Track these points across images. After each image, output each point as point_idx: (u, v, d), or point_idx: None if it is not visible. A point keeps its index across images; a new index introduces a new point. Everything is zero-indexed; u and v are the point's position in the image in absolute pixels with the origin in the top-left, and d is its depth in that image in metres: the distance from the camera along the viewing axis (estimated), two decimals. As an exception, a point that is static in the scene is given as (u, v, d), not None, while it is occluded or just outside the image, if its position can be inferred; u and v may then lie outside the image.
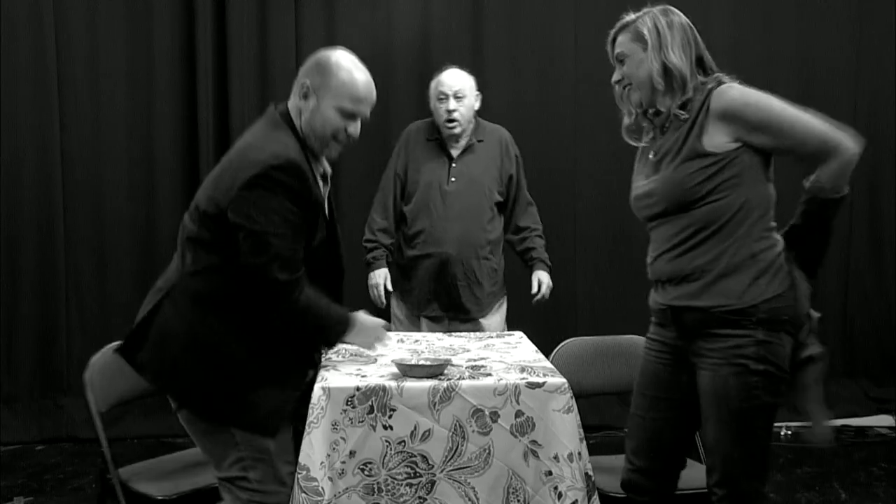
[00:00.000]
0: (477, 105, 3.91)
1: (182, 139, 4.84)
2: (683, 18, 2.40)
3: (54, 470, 4.33)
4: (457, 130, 3.82)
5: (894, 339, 5.15)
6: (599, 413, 4.77)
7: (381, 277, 3.88)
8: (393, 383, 2.40)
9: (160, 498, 2.67)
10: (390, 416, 2.38)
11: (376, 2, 4.95)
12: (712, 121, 2.26)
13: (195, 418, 2.40)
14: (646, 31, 2.35)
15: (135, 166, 4.84)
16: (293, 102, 2.49)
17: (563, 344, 3.14)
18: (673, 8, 2.42)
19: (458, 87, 3.81)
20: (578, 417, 2.45)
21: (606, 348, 3.19)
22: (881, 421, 5.03)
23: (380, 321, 2.59)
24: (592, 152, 5.02)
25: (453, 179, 3.82)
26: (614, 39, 2.45)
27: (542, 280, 3.87)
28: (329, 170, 2.58)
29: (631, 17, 2.41)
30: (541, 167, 4.97)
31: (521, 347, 2.98)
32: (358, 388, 2.39)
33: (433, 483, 2.39)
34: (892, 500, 3.89)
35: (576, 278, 5.02)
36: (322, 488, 2.34)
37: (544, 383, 2.42)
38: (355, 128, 2.49)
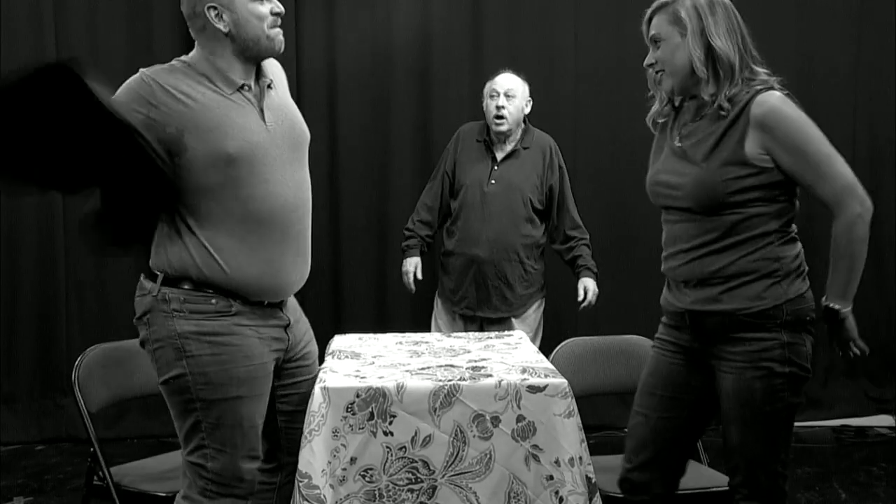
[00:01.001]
0: (527, 110, 4.01)
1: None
2: (730, 10, 2.32)
3: (54, 470, 4.33)
4: (504, 128, 3.91)
5: (894, 339, 5.15)
6: (599, 413, 4.77)
7: (411, 265, 4.05)
8: (393, 389, 2.40)
9: (163, 495, 2.66)
10: (390, 423, 2.37)
11: (376, 2, 4.95)
12: (752, 128, 2.21)
13: (168, 394, 2.34)
14: (684, 14, 2.26)
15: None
16: (203, 40, 2.35)
17: (563, 344, 3.14)
18: None
19: (509, 87, 3.95)
20: (580, 420, 2.44)
21: (606, 348, 3.19)
22: (881, 421, 5.03)
23: None
24: (592, 152, 5.02)
25: (493, 182, 3.90)
26: (650, 20, 2.33)
27: (587, 287, 3.99)
28: (267, 79, 2.40)
29: None
30: (541, 167, 4.98)
31: (521, 348, 2.98)
32: (358, 395, 2.38)
33: (434, 488, 2.38)
34: (892, 501, 3.89)
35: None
36: (324, 496, 2.34)
37: (546, 387, 2.42)
38: (277, 3, 2.34)
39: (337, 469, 2.36)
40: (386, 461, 2.37)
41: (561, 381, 2.44)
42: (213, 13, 2.30)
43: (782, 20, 5.04)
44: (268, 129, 2.34)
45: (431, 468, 2.38)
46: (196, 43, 2.39)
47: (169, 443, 4.32)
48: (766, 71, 2.30)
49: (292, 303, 2.51)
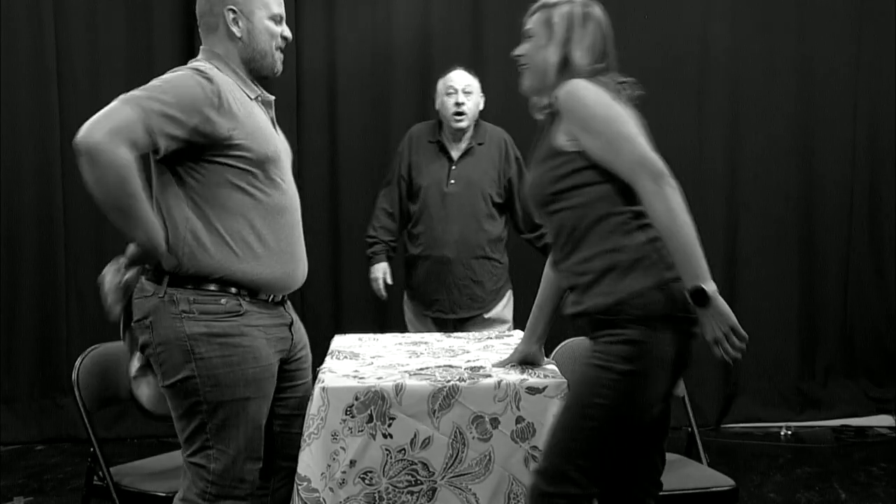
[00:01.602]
0: (481, 106, 3.99)
1: (182, 139, 4.83)
2: (602, 17, 2.34)
3: (54, 470, 4.33)
4: (464, 124, 3.89)
5: (894, 339, 5.15)
6: (599, 413, 4.77)
7: (380, 272, 4.00)
8: (392, 391, 2.39)
9: (163, 495, 2.66)
10: (390, 425, 2.37)
11: (376, 2, 4.95)
12: (557, 118, 2.23)
13: (172, 396, 2.33)
14: (556, 20, 2.28)
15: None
16: (213, 40, 2.38)
17: (563, 344, 3.14)
18: (594, 2, 2.35)
19: (466, 83, 3.92)
20: None
21: (606, 348, 3.18)
22: (881, 421, 5.03)
23: None
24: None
25: (452, 182, 3.87)
26: (532, 14, 2.35)
27: None
28: (271, 97, 2.46)
29: (553, 0, 2.32)
30: (541, 167, 4.98)
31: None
32: (357, 397, 2.38)
33: (434, 490, 2.38)
34: (892, 501, 3.89)
35: (576, 278, 5.01)
36: (323, 499, 2.33)
37: (545, 388, 2.41)
38: (287, 29, 2.45)
39: (336, 472, 2.36)
40: (385, 463, 2.37)
41: (560, 381, 2.44)
42: (231, 16, 2.36)
43: (782, 20, 5.04)
44: (277, 138, 2.43)
45: (431, 470, 2.38)
46: (203, 43, 2.42)
47: (169, 443, 4.32)
48: (614, 74, 2.30)
49: (290, 306, 2.54)
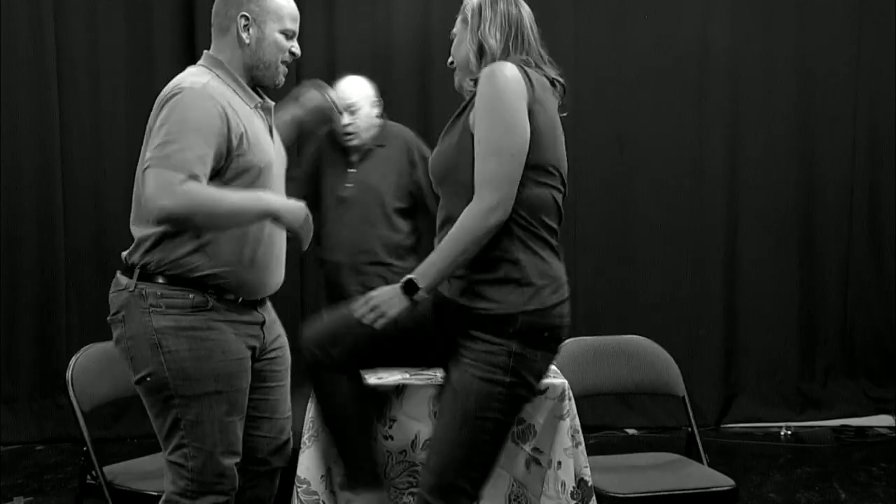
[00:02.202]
0: (376, 111, 3.78)
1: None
2: (517, 5, 2.29)
3: (54, 470, 4.33)
4: (356, 142, 3.72)
5: (894, 339, 5.15)
6: (599, 413, 4.77)
7: None
8: (393, 393, 2.39)
9: (154, 494, 2.65)
10: (391, 427, 2.37)
11: (376, 2, 4.94)
12: (475, 98, 2.20)
13: (145, 393, 2.35)
14: (468, 11, 2.30)
15: (135, 166, 4.81)
16: (222, 42, 2.41)
17: (562, 344, 3.13)
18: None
19: (350, 101, 3.68)
20: (577, 423, 2.43)
21: (606, 348, 3.19)
22: (881, 421, 5.03)
23: (299, 203, 2.34)
24: (592, 151, 5.02)
25: (349, 185, 3.72)
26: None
27: None
28: (271, 103, 2.49)
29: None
30: (541, 167, 4.97)
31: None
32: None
33: None
34: (892, 501, 3.89)
35: (576, 278, 5.00)
36: (323, 501, 2.33)
37: (546, 389, 2.41)
38: (297, 46, 2.47)
39: (337, 474, 2.36)
40: (387, 465, 2.37)
41: (560, 381, 2.44)
42: (243, 22, 2.38)
43: (782, 20, 5.04)
44: (274, 146, 2.45)
45: None
46: (212, 43, 2.45)
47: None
48: (546, 66, 2.27)
49: (268, 305, 2.52)
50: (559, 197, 2.23)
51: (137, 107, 4.89)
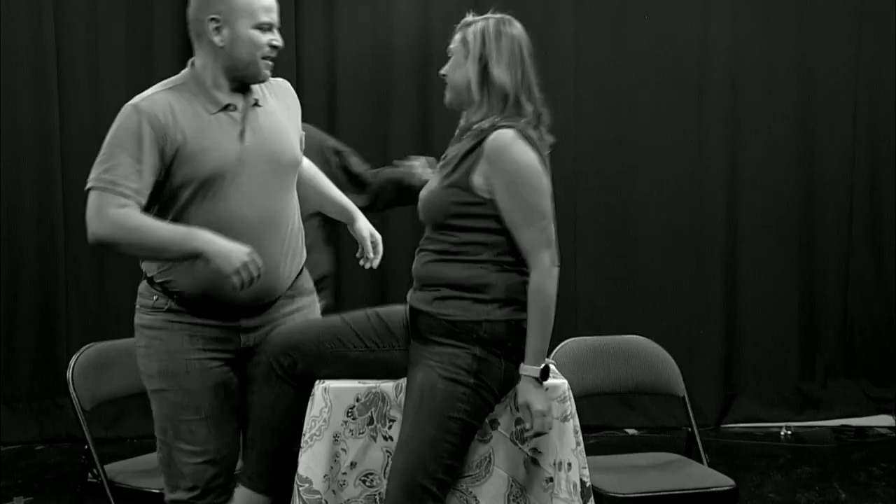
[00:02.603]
0: None
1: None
2: (518, 33, 2.35)
3: (54, 470, 4.33)
4: None
5: (894, 339, 5.15)
6: (599, 413, 4.77)
7: None
8: (392, 392, 2.39)
9: (156, 491, 2.67)
10: (390, 427, 2.37)
11: (376, 2, 4.94)
12: (483, 159, 2.26)
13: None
14: (471, 37, 2.32)
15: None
16: (199, 48, 2.38)
17: (562, 344, 3.14)
18: (511, 19, 2.37)
19: None
20: (577, 423, 2.43)
21: (606, 348, 3.19)
22: (881, 421, 5.02)
23: (242, 248, 2.26)
24: (593, 152, 5.02)
25: None
26: (455, 35, 2.40)
27: None
28: (259, 95, 2.43)
29: (471, 18, 2.38)
30: (541, 167, 4.97)
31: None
32: (357, 399, 2.37)
33: None
34: (892, 501, 3.89)
35: (576, 278, 5.02)
36: (325, 500, 2.33)
37: (545, 389, 2.40)
38: (277, 37, 2.39)
39: (338, 474, 2.36)
40: (386, 465, 2.36)
41: (560, 382, 2.43)
42: (212, 25, 2.33)
43: (782, 20, 5.04)
44: (242, 149, 2.36)
45: None
46: (194, 51, 2.42)
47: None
48: (534, 109, 2.33)
49: (273, 309, 2.49)
50: None
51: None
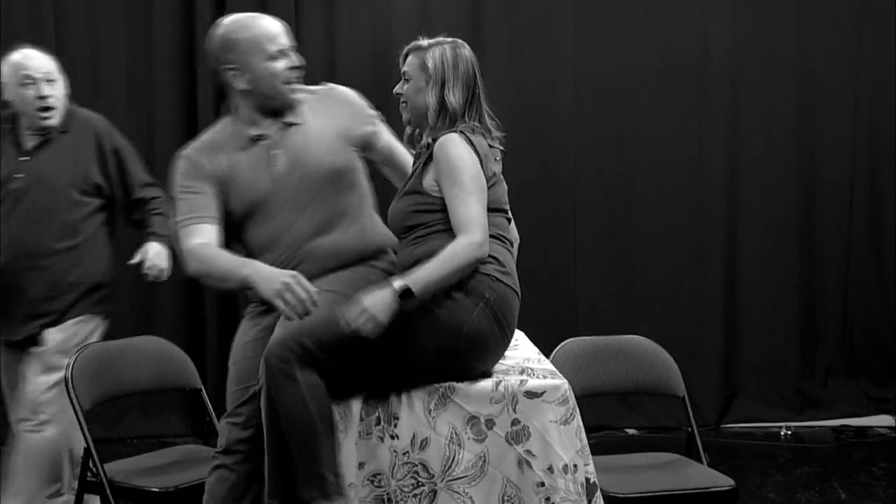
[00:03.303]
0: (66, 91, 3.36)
1: (182, 139, 4.78)
2: (470, 55, 2.53)
3: (54, 470, 4.32)
4: (54, 121, 3.26)
5: (894, 339, 5.15)
6: (599, 413, 4.77)
7: None
8: (395, 390, 2.39)
9: (156, 490, 2.68)
10: (396, 425, 2.37)
11: (376, 1, 4.95)
12: (432, 162, 2.45)
13: None
14: (431, 65, 2.49)
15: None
16: (231, 93, 2.57)
17: (563, 344, 3.14)
18: (463, 43, 2.55)
19: (48, 69, 3.29)
20: (580, 422, 2.43)
21: (606, 348, 3.18)
22: (881, 421, 5.03)
23: (283, 273, 2.37)
24: (592, 152, 5.03)
25: (19, 176, 3.21)
26: (406, 56, 2.56)
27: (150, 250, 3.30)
28: (297, 119, 2.57)
29: (425, 42, 2.53)
30: (541, 166, 4.97)
31: (521, 348, 2.96)
32: (366, 400, 2.39)
33: (435, 493, 2.37)
34: (892, 501, 3.89)
35: (576, 278, 5.02)
36: None
37: (543, 392, 2.40)
38: (293, 59, 2.54)
39: (350, 475, 2.36)
40: (393, 466, 2.37)
41: (560, 383, 2.43)
42: (231, 73, 2.49)
43: (782, 20, 5.04)
44: (274, 175, 2.53)
45: (431, 472, 2.37)
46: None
47: (169, 442, 4.33)
48: (479, 125, 2.51)
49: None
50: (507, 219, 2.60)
51: (137, 107, 4.92)
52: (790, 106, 5.07)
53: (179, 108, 4.83)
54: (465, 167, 2.40)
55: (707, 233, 5.07)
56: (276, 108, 2.52)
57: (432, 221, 2.44)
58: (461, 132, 2.45)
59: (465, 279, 2.36)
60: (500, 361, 2.69)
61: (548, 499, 2.36)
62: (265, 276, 2.33)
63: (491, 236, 2.44)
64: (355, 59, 4.95)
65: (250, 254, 2.55)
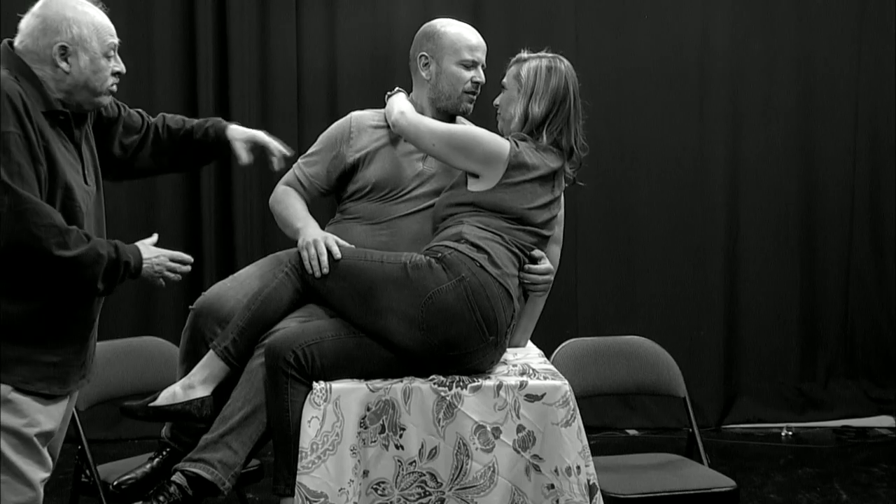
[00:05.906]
0: None
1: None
2: (567, 71, 2.62)
3: (54, 470, 4.30)
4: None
5: (894, 339, 5.15)
6: (600, 413, 4.77)
7: None
8: (401, 399, 2.38)
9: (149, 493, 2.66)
10: (401, 435, 2.36)
11: (376, 2, 4.94)
12: None
13: None
14: (524, 74, 2.58)
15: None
16: (415, 80, 2.84)
17: (563, 345, 3.14)
18: (563, 59, 2.64)
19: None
20: (581, 423, 2.42)
21: (606, 348, 3.19)
22: (882, 422, 5.02)
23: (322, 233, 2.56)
24: (593, 152, 5.00)
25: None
26: (510, 67, 2.65)
27: None
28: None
29: (526, 55, 2.62)
30: (541, 167, 4.97)
31: (522, 349, 2.96)
32: (368, 408, 2.37)
33: (443, 501, 2.36)
34: (894, 501, 3.89)
35: (576, 278, 5.02)
36: None
37: (543, 395, 2.40)
38: (479, 74, 2.72)
39: (355, 485, 2.35)
40: (398, 475, 2.36)
41: (560, 384, 2.42)
42: (422, 61, 2.85)
43: (782, 20, 5.04)
44: (417, 173, 2.79)
45: (439, 481, 2.36)
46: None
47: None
48: (552, 138, 2.58)
49: None
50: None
51: (137, 107, 4.90)
52: (790, 106, 5.07)
53: (180, 108, 4.82)
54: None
55: (708, 233, 5.07)
56: (447, 109, 2.72)
57: (463, 212, 2.54)
58: (513, 139, 2.52)
59: (450, 257, 2.40)
60: (501, 362, 2.68)
61: (557, 501, 2.36)
62: (309, 231, 2.52)
63: (492, 236, 2.46)
64: (355, 59, 4.94)
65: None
